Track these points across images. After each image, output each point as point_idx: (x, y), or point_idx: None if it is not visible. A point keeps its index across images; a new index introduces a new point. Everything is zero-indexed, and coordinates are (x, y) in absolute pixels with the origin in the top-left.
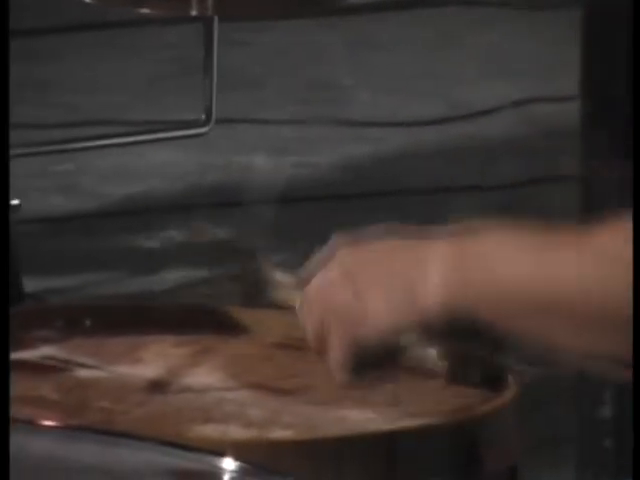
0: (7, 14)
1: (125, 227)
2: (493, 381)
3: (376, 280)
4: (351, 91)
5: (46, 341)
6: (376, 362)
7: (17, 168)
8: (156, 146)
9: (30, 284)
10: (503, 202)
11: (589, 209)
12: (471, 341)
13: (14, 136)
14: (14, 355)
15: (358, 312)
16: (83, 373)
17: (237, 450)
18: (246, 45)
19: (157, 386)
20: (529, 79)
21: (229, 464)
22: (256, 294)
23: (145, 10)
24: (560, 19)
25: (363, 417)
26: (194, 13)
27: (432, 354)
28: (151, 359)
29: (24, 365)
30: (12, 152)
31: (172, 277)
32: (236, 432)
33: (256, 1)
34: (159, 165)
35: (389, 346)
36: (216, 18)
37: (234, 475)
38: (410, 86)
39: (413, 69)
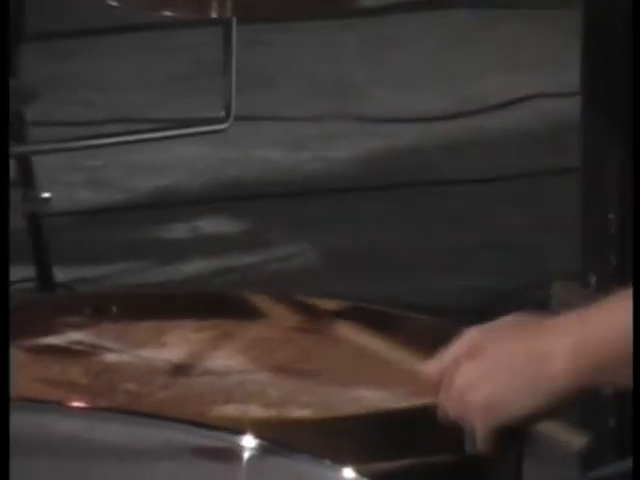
0: (7, 14)
1: (150, 219)
2: None
3: (503, 356)
4: (366, 88)
5: (75, 327)
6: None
7: (47, 163)
8: (179, 142)
9: (60, 274)
10: (511, 192)
11: (589, 197)
12: None
13: (45, 132)
14: (45, 340)
15: (491, 400)
16: (110, 357)
17: (257, 429)
18: (264, 45)
19: (180, 369)
20: (534, 76)
21: (249, 442)
22: None
23: (167, 13)
24: (562, 19)
25: (376, 396)
26: (214, 15)
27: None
28: (174, 343)
29: (54, 350)
30: (43, 148)
31: (195, 267)
32: (256, 412)
33: (274, 3)
34: (182, 160)
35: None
36: (234, 20)
37: (254, 452)
38: (423, 83)
39: (425, 67)
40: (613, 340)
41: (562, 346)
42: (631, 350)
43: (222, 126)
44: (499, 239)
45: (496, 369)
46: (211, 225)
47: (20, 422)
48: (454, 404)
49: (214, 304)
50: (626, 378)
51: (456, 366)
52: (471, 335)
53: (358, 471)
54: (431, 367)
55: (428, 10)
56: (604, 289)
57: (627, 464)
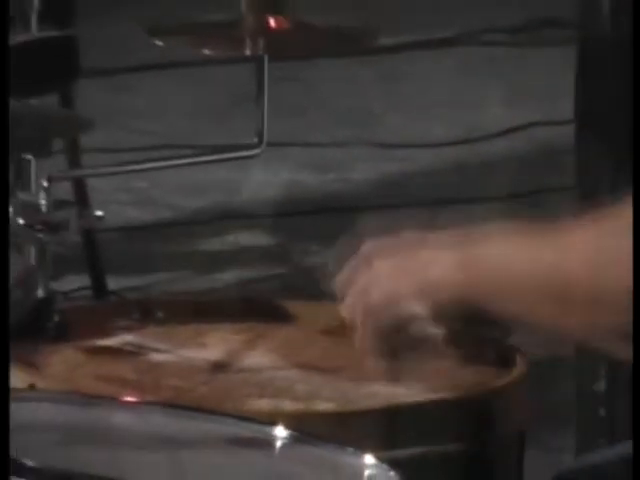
0: (7, 14)
1: (191, 234)
2: (504, 360)
3: (392, 263)
4: (383, 117)
5: (125, 330)
6: (398, 348)
7: (101, 185)
8: (217, 165)
9: (112, 282)
10: (511, 210)
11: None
12: (483, 325)
13: (99, 158)
14: (100, 342)
15: (371, 287)
16: (156, 357)
17: (287, 420)
18: (293, 79)
19: (219, 367)
20: (532, 105)
21: (281, 432)
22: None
23: (206, 51)
24: (557, 55)
25: (392, 392)
26: (248, 53)
27: (437, 336)
28: (213, 344)
29: (107, 350)
30: (96, 171)
31: (231, 276)
32: (286, 405)
33: (301, 42)
34: (220, 181)
35: (402, 325)
36: (266, 57)
37: (285, 441)
38: (433, 112)
39: (436, 98)
40: (497, 267)
41: (447, 258)
42: (544, 285)
43: (255, 151)
44: None
45: (386, 275)
46: (247, 239)
47: (79, 415)
48: (351, 308)
49: (249, 309)
50: (511, 314)
51: (354, 274)
52: (368, 246)
53: (377, 457)
54: (337, 278)
55: (439, 47)
56: None
57: (615, 450)
